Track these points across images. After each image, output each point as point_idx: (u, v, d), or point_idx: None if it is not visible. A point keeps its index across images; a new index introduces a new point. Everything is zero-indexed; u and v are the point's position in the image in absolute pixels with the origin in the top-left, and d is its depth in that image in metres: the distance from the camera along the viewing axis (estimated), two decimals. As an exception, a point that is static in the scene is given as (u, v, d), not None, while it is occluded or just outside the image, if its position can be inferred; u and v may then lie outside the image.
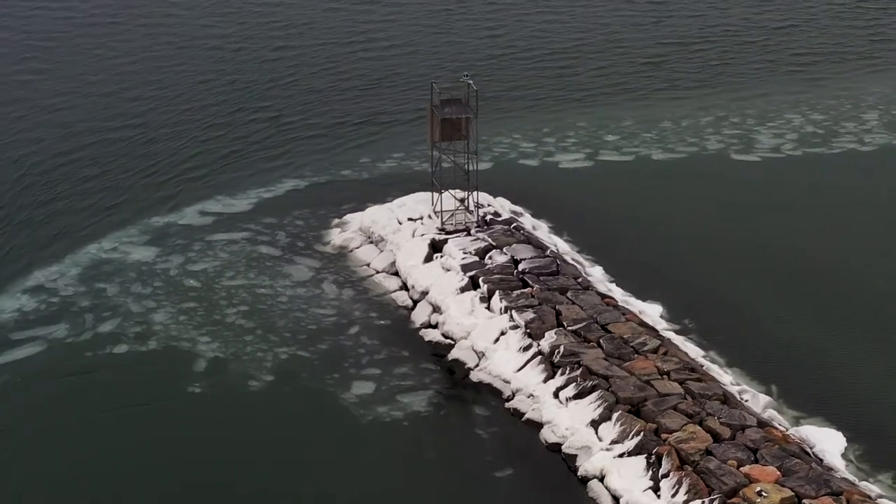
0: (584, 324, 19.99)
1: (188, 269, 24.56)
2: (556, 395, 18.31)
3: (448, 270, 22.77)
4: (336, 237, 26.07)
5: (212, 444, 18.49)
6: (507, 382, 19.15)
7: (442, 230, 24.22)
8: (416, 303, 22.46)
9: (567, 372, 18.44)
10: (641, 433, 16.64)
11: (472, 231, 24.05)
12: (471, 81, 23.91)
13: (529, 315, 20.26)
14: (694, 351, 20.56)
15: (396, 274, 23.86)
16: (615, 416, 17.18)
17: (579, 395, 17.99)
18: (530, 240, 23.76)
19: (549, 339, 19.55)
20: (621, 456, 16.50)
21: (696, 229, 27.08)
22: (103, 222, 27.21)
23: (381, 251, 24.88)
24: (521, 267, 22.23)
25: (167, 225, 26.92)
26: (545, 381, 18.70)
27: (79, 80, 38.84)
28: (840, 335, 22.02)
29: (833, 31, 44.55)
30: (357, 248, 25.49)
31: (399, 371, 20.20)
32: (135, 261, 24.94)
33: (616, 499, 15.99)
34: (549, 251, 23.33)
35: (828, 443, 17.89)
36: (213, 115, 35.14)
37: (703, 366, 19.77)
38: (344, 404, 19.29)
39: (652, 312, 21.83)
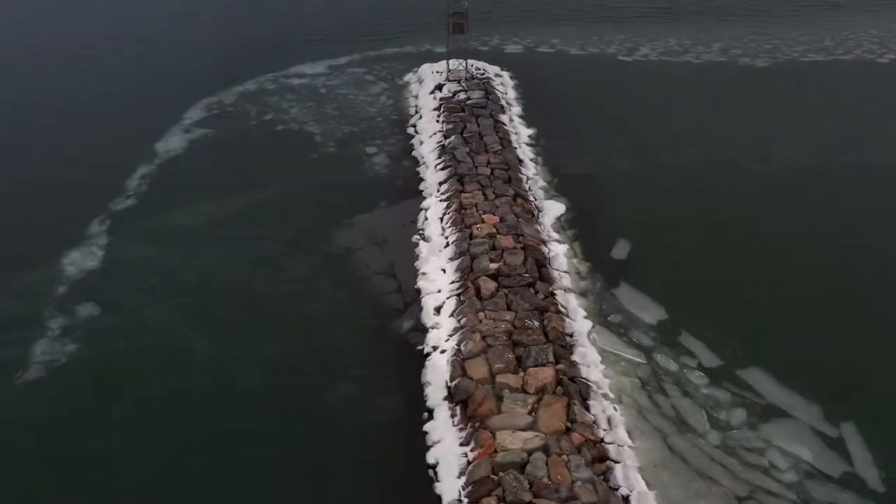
0: (471, 130, 35.77)
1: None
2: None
3: (434, 97, 40.33)
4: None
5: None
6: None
7: (447, 80, 41.48)
8: (417, 111, 40.28)
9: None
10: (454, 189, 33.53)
11: (462, 81, 41.05)
12: (467, 4, 40.03)
13: (450, 124, 37.35)
14: (525, 153, 36.17)
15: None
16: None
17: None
18: (486, 89, 40.34)
19: (452, 137, 36.44)
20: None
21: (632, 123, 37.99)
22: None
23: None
24: (467, 101, 39.19)
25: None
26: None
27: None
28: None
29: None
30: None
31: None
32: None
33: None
34: (491, 95, 39.85)
35: (553, 209, 33.17)
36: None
37: (522, 161, 35.67)
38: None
39: (523, 131, 37.79)
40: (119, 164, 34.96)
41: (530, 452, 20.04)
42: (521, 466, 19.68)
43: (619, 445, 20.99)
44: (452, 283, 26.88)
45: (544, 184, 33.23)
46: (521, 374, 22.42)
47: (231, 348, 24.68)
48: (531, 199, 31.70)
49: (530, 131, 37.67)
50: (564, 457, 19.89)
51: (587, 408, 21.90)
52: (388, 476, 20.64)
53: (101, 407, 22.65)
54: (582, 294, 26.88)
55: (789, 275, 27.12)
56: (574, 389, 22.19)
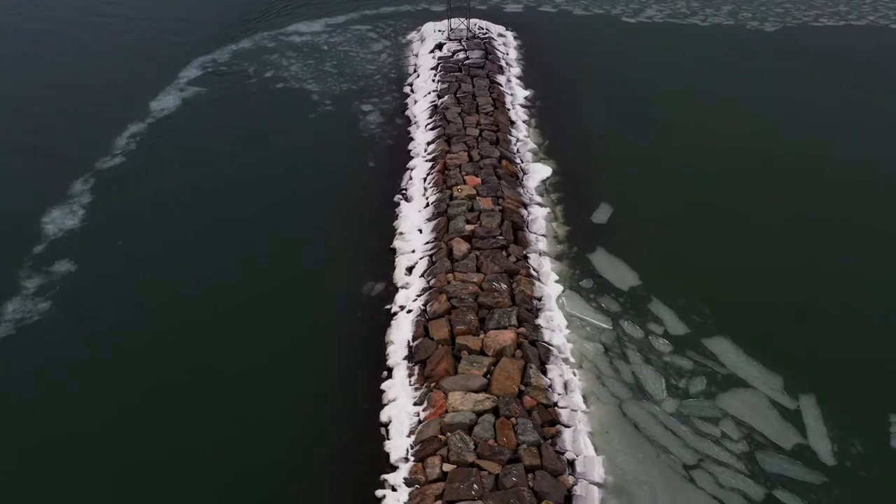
0: (465, 90, 35.16)
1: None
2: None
3: (433, 56, 39.73)
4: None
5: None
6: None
7: (448, 38, 40.78)
8: (415, 70, 39.75)
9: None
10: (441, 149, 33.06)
11: (463, 41, 40.35)
12: None
13: (445, 84, 36.81)
14: (518, 114, 35.64)
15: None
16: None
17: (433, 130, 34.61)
18: (486, 49, 39.63)
19: (445, 97, 35.88)
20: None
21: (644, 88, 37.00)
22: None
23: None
24: (465, 61, 38.55)
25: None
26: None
27: None
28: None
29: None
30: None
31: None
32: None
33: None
34: (490, 56, 39.16)
35: (539, 172, 32.77)
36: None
37: (514, 123, 35.13)
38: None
39: (520, 93, 37.24)
40: (110, 122, 34.79)
41: (480, 414, 19.98)
42: (469, 428, 19.65)
43: (572, 410, 20.84)
44: (427, 243, 26.69)
45: (534, 146, 32.70)
46: (482, 336, 22.26)
47: (210, 320, 24.59)
48: (517, 161, 31.27)
49: (527, 93, 37.04)
50: (513, 420, 19.80)
51: (544, 371, 21.75)
52: (342, 433, 20.73)
53: (72, 363, 22.97)
54: (557, 258, 26.55)
55: (769, 249, 26.49)
56: (533, 353, 22.03)
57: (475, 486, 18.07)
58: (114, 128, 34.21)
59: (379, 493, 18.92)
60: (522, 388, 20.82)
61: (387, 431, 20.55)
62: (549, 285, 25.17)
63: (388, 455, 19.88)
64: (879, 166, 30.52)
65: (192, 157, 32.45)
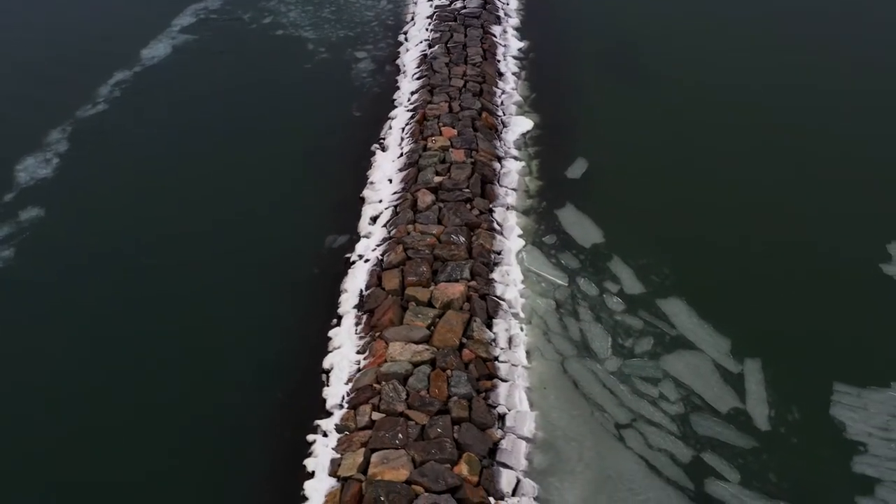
0: (456, 40, 34.30)
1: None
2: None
3: (431, 3, 38.95)
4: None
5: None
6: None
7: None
8: (412, 17, 39.05)
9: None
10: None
11: (465, -11, 39.48)
12: None
13: (437, 34, 36.13)
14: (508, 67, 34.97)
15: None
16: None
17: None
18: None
19: (436, 47, 35.17)
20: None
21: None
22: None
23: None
24: (462, 10, 37.75)
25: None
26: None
27: None
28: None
29: None
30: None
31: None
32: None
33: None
34: (489, 5, 38.26)
35: (520, 125, 32.17)
36: None
37: (503, 75, 34.45)
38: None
39: (514, 44, 36.46)
40: (95, 70, 34.32)
41: (417, 365, 19.99)
42: (405, 378, 19.68)
43: (513, 365, 20.75)
44: (394, 193, 26.52)
45: (520, 99, 32.12)
46: (432, 288, 22.16)
47: (171, 266, 24.64)
48: (499, 114, 30.76)
49: (522, 44, 36.25)
50: (448, 372, 19.78)
51: (490, 326, 21.63)
52: (286, 378, 20.92)
53: (35, 312, 23.41)
54: (524, 212, 26.22)
55: (741, 215, 25.59)
56: (481, 307, 21.90)
57: (400, 435, 18.15)
58: (99, 76, 33.88)
59: (311, 437, 19.11)
60: (464, 341, 20.74)
61: (327, 378, 20.68)
62: (512, 240, 24.90)
63: (325, 401, 20.01)
64: (869, 139, 29.38)
65: (176, 106, 32.18)
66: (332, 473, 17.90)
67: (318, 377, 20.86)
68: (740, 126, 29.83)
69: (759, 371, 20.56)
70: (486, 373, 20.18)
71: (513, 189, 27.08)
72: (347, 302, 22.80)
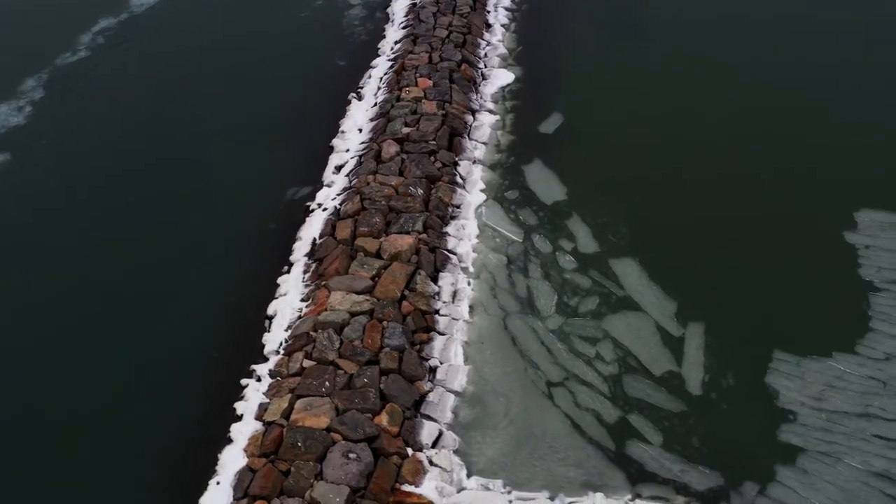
0: None
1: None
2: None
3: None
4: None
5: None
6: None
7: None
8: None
9: None
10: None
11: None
12: None
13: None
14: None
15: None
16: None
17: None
18: None
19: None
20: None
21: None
22: None
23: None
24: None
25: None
26: None
27: None
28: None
29: None
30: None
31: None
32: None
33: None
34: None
35: (500, 78, 31.20)
36: None
37: (490, 26, 33.66)
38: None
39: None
40: (81, 15, 33.80)
41: (354, 315, 19.93)
42: (341, 327, 19.66)
43: (453, 319, 20.61)
44: (362, 143, 26.25)
45: (505, 51, 31.42)
46: (382, 239, 22.00)
47: (133, 211, 24.91)
48: (480, 66, 30.13)
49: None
50: (385, 323, 19.70)
51: (436, 279, 21.46)
52: (232, 323, 21.00)
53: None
54: (491, 167, 25.80)
55: (709, 179, 24.58)
56: (429, 260, 21.72)
57: (327, 383, 18.19)
58: (83, 23, 33.54)
59: (244, 381, 19.25)
60: (406, 293, 20.61)
61: (270, 323, 20.75)
62: (473, 194, 24.56)
63: (263, 346, 20.11)
64: (856, 109, 28.18)
65: (160, 55, 31.88)
66: (258, 417, 18.04)
67: (262, 323, 20.91)
68: (723, 94, 28.49)
69: (700, 336, 20.13)
70: (423, 325, 20.06)
71: (483, 143, 26.63)
72: (300, 250, 22.76)
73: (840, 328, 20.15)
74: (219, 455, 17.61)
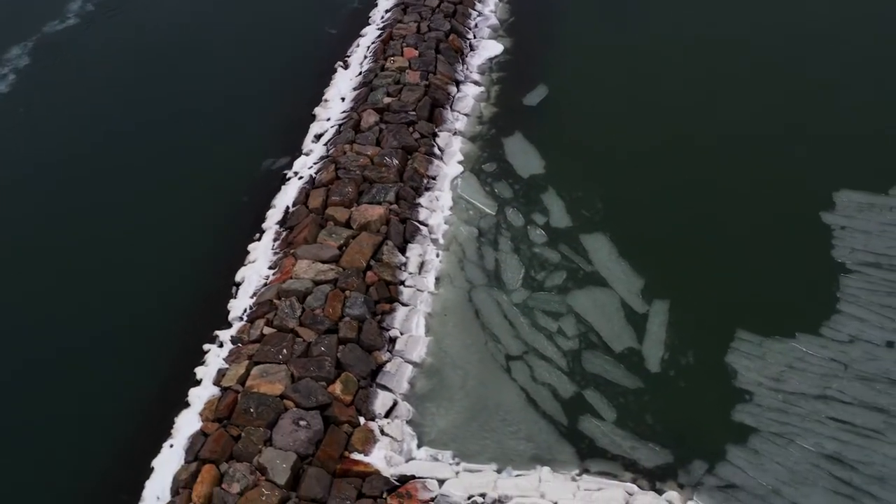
0: None
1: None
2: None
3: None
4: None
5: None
6: None
7: None
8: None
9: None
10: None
11: None
12: None
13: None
14: None
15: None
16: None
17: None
18: None
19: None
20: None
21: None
22: None
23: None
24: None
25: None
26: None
27: None
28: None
29: None
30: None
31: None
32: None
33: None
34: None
35: (489, 49, 30.44)
36: None
37: (482, -1, 33.04)
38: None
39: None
40: None
41: (318, 284, 19.90)
42: (304, 296, 19.63)
43: (418, 290, 20.53)
44: (343, 112, 26.06)
45: (496, 22, 30.93)
46: (353, 208, 21.90)
47: (108, 180, 24.88)
48: (469, 36, 29.72)
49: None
50: (347, 293, 19.66)
51: (403, 250, 21.36)
52: (200, 288, 21.06)
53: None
54: (471, 139, 25.53)
55: (687, 157, 23.86)
56: (398, 230, 21.61)
57: (284, 350, 18.23)
58: None
59: (206, 346, 19.34)
60: (372, 263, 20.53)
61: (237, 290, 20.79)
62: (451, 165, 24.33)
63: (229, 312, 20.18)
64: (845, 87, 27.45)
65: (149, 23, 31.17)
66: (216, 383, 18.13)
67: (230, 290, 20.96)
68: (712, 73, 27.46)
69: (664, 313, 19.89)
70: (386, 296, 19.99)
71: (465, 114, 26.33)
72: (273, 218, 22.73)
73: (807, 309, 19.80)
74: (175, 419, 17.70)
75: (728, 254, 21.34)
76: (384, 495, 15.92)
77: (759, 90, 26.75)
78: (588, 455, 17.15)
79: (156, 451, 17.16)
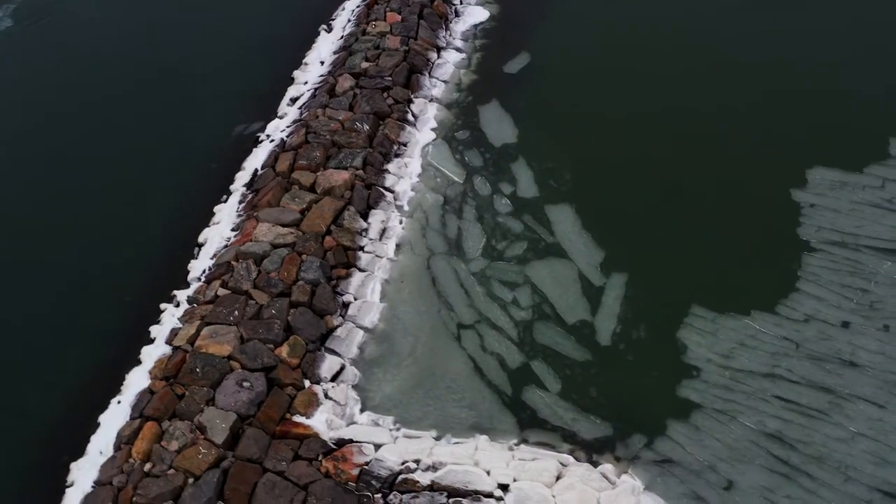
0: None
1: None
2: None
3: None
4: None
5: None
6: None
7: None
8: None
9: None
10: None
11: None
12: None
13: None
14: None
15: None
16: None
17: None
18: None
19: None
20: None
21: None
22: None
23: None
24: None
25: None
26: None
27: None
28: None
29: None
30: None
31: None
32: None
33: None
34: None
35: (474, 16, 29.57)
36: None
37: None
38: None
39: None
40: None
41: (276, 247, 19.87)
42: (261, 258, 19.62)
43: (377, 256, 20.43)
44: (320, 76, 25.82)
45: (484, -13, 30.34)
46: (319, 173, 21.78)
47: (84, 139, 24.96)
48: (454, 2, 29.21)
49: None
50: (304, 257, 19.61)
51: (366, 216, 21.23)
52: (163, 247, 21.12)
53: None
54: (448, 105, 25.21)
55: (664, 132, 23.32)
56: (361, 196, 21.48)
57: (236, 312, 18.26)
58: None
59: (163, 306, 19.44)
60: (332, 228, 20.45)
61: (199, 251, 20.83)
62: (423, 132, 24.09)
63: (188, 272, 20.25)
64: (826, 66, 26.61)
65: None
66: (168, 342, 18.24)
67: (192, 250, 21.01)
68: (694, 48, 26.51)
69: (622, 286, 19.64)
70: (343, 261, 19.93)
71: (444, 81, 25.98)
72: (241, 180, 22.68)
73: (765, 287, 19.44)
74: (126, 375, 17.86)
75: (693, 229, 20.96)
76: (320, 458, 15.97)
77: (741, 67, 26.01)
78: (528, 425, 17.08)
79: (105, 406, 17.33)
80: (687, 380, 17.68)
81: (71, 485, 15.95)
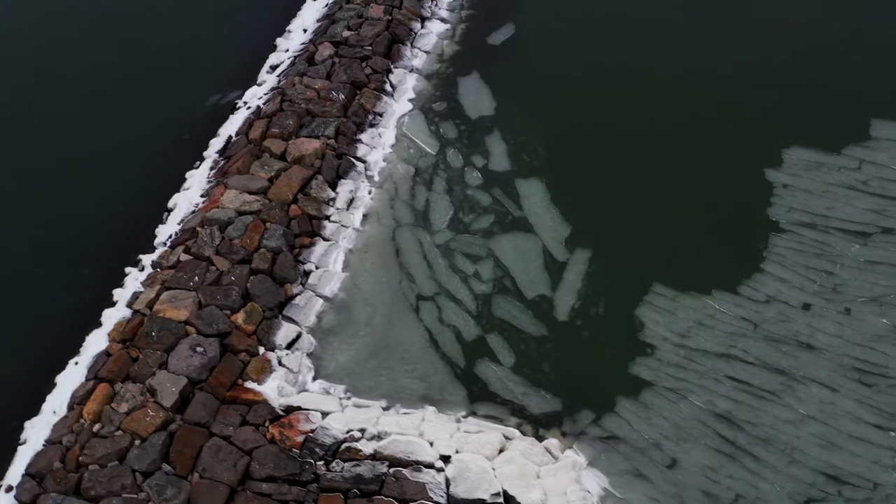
0: None
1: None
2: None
3: None
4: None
5: None
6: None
7: None
8: None
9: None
10: None
11: None
12: None
13: None
14: None
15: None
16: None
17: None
18: None
19: None
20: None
21: None
22: None
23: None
24: None
25: None
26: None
27: None
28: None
29: None
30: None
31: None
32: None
33: None
34: None
35: None
36: None
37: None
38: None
39: None
40: None
41: (242, 214, 19.85)
42: (226, 225, 19.62)
43: (342, 226, 20.36)
44: (301, 44, 25.61)
45: (476, -43, 29.80)
46: (290, 141, 21.67)
47: (63, 106, 24.98)
48: (443, -29, 28.72)
49: None
50: (267, 224, 19.58)
51: (334, 186, 21.13)
52: (134, 211, 21.16)
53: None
54: (427, 76, 24.92)
55: (643, 109, 22.78)
56: (331, 165, 21.36)
57: (196, 278, 18.30)
58: None
59: (128, 269, 19.52)
60: (298, 197, 20.38)
61: (168, 216, 20.86)
62: (400, 103, 23.85)
63: (155, 237, 20.30)
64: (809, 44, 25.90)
65: None
66: (129, 305, 18.33)
67: (163, 215, 21.04)
68: (681, 29, 25.71)
69: (584, 262, 19.44)
70: (308, 230, 19.88)
71: (425, 51, 25.67)
72: (214, 146, 22.62)
73: (729, 267, 19.17)
74: (87, 337, 17.99)
75: (663, 207, 20.66)
76: (266, 424, 16.04)
77: (725, 43, 25.39)
78: (478, 398, 17.04)
79: (63, 367, 17.49)
80: (641, 357, 17.53)
81: (24, 442, 16.12)
